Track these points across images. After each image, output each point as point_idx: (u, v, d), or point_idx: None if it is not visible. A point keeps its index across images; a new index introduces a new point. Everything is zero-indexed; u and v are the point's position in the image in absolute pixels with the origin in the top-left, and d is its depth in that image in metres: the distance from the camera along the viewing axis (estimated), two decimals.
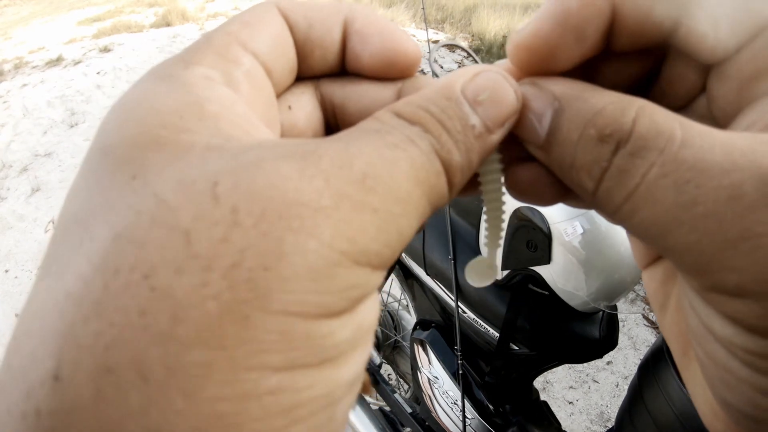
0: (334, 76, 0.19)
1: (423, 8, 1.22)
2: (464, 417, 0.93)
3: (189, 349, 0.10)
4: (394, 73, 0.18)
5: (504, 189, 0.18)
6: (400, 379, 1.53)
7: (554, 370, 1.87)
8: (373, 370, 1.30)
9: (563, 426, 0.98)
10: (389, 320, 1.47)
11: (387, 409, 1.26)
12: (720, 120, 0.17)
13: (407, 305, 1.40)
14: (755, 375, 0.14)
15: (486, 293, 0.91)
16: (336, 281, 0.12)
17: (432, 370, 1.05)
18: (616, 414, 0.84)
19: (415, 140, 0.14)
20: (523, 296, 0.84)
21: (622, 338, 1.97)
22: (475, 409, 0.98)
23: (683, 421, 0.66)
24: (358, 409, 1.16)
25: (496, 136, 0.16)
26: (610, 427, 0.87)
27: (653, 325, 2.03)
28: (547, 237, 0.75)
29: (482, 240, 0.20)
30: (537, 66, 0.17)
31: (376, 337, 1.44)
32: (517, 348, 0.89)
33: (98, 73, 4.60)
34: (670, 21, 0.16)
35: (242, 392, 0.11)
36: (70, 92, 4.23)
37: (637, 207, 0.14)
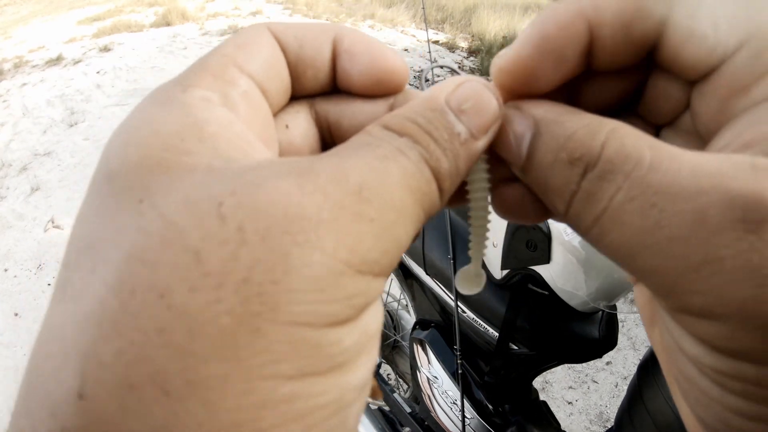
0: (327, 95, 0.20)
1: (423, 8, 1.22)
2: (463, 417, 0.93)
3: (206, 363, 0.11)
4: (383, 90, 0.19)
5: (489, 198, 0.18)
6: (400, 379, 1.53)
7: (553, 370, 1.87)
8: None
9: (562, 426, 0.98)
10: (389, 320, 1.47)
11: (386, 408, 1.26)
12: (705, 136, 0.17)
13: (406, 305, 1.40)
14: (725, 394, 0.14)
15: (485, 293, 0.91)
16: (340, 290, 0.12)
17: (431, 370, 1.05)
18: (615, 414, 0.84)
19: (405, 151, 0.15)
20: (523, 296, 0.84)
21: (621, 338, 1.97)
22: (474, 409, 0.97)
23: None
24: None
25: (481, 143, 0.16)
26: (610, 427, 0.87)
27: None
28: (546, 236, 0.75)
29: (470, 240, 0.21)
30: (519, 88, 0.18)
31: None
32: (516, 348, 0.89)
33: (98, 72, 4.60)
34: (647, 40, 0.17)
35: (259, 401, 0.11)
36: (70, 91, 4.23)
37: (605, 230, 0.14)
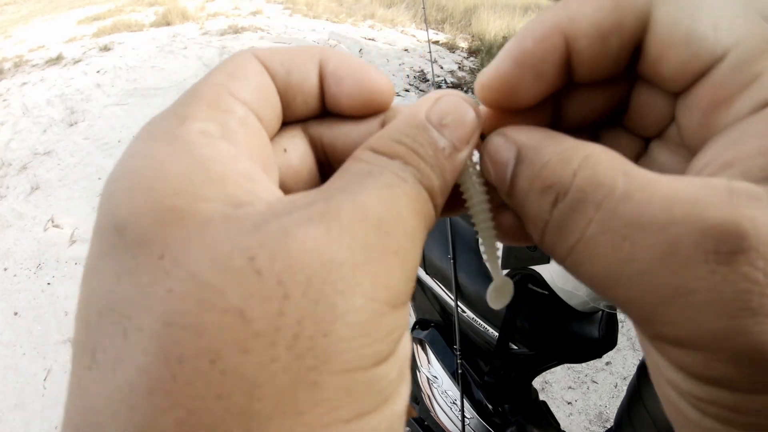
0: (319, 118, 0.20)
1: (423, 8, 1.23)
2: (463, 417, 0.93)
3: (270, 421, 0.11)
4: (371, 110, 0.19)
5: (488, 203, 0.18)
6: None
7: (553, 370, 1.87)
8: None
9: (562, 426, 0.98)
10: None
11: None
12: (691, 149, 0.17)
13: None
14: (703, 418, 0.14)
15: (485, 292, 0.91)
16: (382, 329, 0.13)
17: (431, 370, 1.05)
18: (614, 414, 0.84)
19: (402, 175, 0.15)
20: (523, 296, 0.84)
21: (621, 338, 1.97)
22: (474, 409, 0.97)
23: None
24: None
25: (464, 153, 0.17)
26: (609, 427, 0.87)
27: None
28: None
29: (484, 257, 0.21)
30: (502, 104, 0.18)
31: None
32: (516, 347, 0.89)
33: (98, 71, 4.59)
34: (625, 51, 0.17)
35: None
36: (70, 91, 4.23)
37: (579, 261, 0.14)
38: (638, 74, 0.18)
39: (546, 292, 0.80)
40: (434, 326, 1.09)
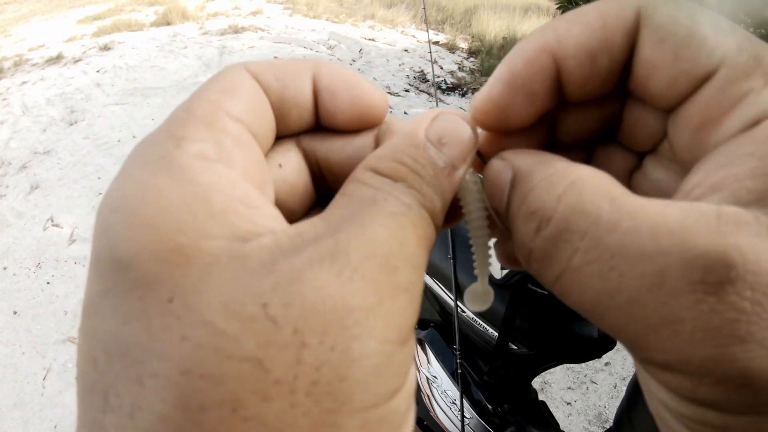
0: (313, 131, 0.20)
1: (424, 9, 1.23)
2: (463, 417, 0.93)
3: None
4: (365, 124, 0.19)
5: (486, 215, 0.19)
6: None
7: (552, 370, 1.87)
8: None
9: (561, 426, 0.98)
10: None
11: None
12: (684, 165, 0.17)
13: None
14: None
15: None
16: (394, 366, 0.13)
17: (431, 370, 1.05)
18: (614, 415, 0.84)
19: (406, 200, 0.15)
20: (523, 296, 0.84)
21: None
22: (473, 409, 0.98)
23: None
24: None
25: (461, 171, 0.17)
26: (609, 427, 0.87)
27: None
28: None
29: (474, 265, 0.21)
30: (495, 126, 0.18)
31: None
32: (515, 347, 0.89)
33: (98, 71, 4.59)
34: (614, 70, 0.17)
35: None
36: (70, 90, 4.23)
37: (567, 290, 0.14)
38: (629, 92, 0.18)
39: (546, 292, 0.80)
40: (434, 326, 1.09)
